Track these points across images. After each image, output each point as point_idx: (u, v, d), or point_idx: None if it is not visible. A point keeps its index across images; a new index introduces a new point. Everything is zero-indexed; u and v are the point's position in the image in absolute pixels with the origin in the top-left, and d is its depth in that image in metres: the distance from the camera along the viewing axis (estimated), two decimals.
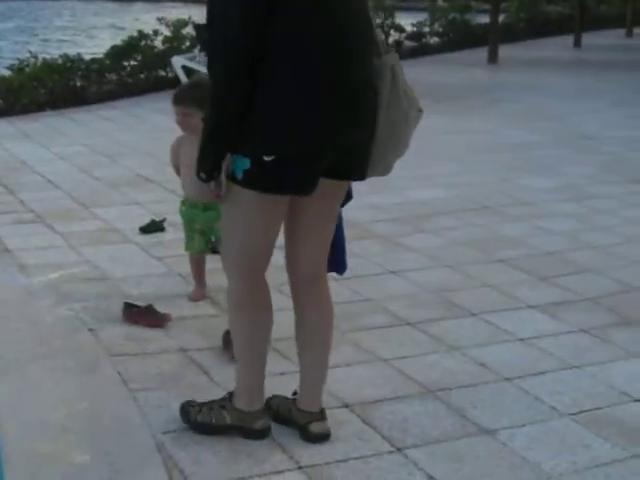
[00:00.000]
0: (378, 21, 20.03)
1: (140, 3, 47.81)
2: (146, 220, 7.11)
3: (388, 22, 20.57)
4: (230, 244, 3.75)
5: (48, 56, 14.73)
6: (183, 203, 5.55)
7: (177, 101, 5.31)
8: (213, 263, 5.62)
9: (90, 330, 5.01)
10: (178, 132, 5.53)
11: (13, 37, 29.18)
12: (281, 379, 4.42)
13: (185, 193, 5.53)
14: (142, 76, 15.30)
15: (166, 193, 8.24)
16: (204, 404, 3.94)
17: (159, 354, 4.73)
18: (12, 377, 4.43)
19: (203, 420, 3.89)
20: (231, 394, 3.91)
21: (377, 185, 8.41)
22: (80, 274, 5.93)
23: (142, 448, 3.80)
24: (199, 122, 5.22)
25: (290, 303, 5.42)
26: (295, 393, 4.03)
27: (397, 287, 5.86)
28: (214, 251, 5.48)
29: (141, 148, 10.49)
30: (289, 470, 3.68)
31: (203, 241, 5.49)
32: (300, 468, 3.69)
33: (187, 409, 3.95)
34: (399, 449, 3.86)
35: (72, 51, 15.53)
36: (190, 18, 16.77)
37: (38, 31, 31.97)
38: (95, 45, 15.88)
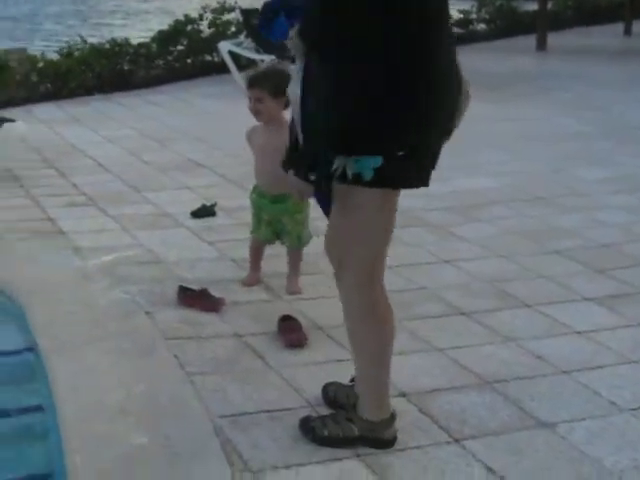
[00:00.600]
0: None
1: None
2: (197, 205, 7.11)
3: None
4: (356, 252, 3.58)
5: (96, 40, 14.77)
6: (253, 190, 5.52)
7: (251, 84, 5.29)
8: (269, 249, 5.62)
9: (146, 313, 5.02)
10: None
11: (67, 21, 29.37)
12: (338, 366, 4.41)
13: (257, 181, 5.48)
14: (189, 61, 15.29)
15: (216, 177, 8.25)
16: (326, 417, 3.80)
17: (214, 338, 4.73)
18: (68, 359, 4.45)
19: (330, 434, 3.73)
20: (353, 405, 3.78)
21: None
22: (134, 257, 5.94)
23: (200, 432, 3.80)
24: (270, 109, 5.25)
25: None
26: (352, 380, 3.99)
27: (451, 276, 5.81)
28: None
29: (190, 132, 10.50)
30: (347, 458, 3.66)
31: (270, 231, 5.45)
32: (358, 456, 3.67)
33: (310, 425, 3.78)
34: (457, 440, 3.82)
35: (121, 35, 15.56)
36: (236, 3, 16.73)
37: (89, 15, 32.14)
38: (145, 29, 15.87)
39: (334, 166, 3.36)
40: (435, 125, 3.41)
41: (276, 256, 5.61)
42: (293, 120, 3.60)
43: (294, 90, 3.45)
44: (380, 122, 3.27)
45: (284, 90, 5.18)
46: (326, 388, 4.03)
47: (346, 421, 3.75)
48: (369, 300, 3.62)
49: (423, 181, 3.49)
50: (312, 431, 3.76)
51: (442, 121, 3.43)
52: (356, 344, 3.74)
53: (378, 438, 3.73)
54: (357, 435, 3.73)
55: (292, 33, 3.40)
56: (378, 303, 3.65)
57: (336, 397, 4.00)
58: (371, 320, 3.64)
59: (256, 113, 5.30)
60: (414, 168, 3.44)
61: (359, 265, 3.60)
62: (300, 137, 3.48)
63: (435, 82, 3.33)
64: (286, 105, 5.24)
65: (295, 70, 3.46)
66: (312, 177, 3.44)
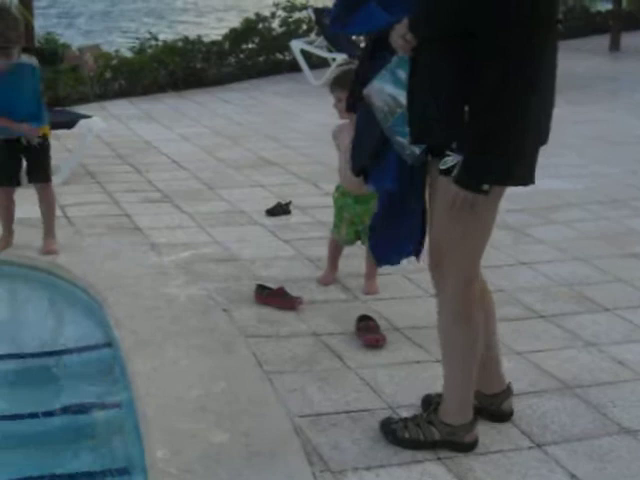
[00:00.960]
0: None
1: None
2: (270, 203, 7.12)
3: None
4: (463, 253, 3.52)
5: (169, 38, 14.88)
6: (336, 189, 5.50)
7: (332, 86, 5.29)
8: (347, 249, 5.60)
9: (223, 310, 5.03)
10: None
11: (142, 18, 29.65)
12: (417, 367, 4.39)
13: (340, 180, 5.47)
14: (260, 59, 15.34)
15: (289, 176, 8.26)
16: (408, 420, 3.76)
17: (292, 337, 4.73)
18: (148, 354, 4.47)
19: (411, 437, 3.69)
20: (435, 408, 3.75)
21: None
22: (210, 254, 5.96)
23: (280, 431, 3.79)
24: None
25: (419, 291, 5.41)
26: None
27: (528, 279, 5.74)
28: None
29: (261, 130, 10.53)
30: (428, 460, 3.63)
31: (352, 231, 5.42)
32: (439, 459, 3.64)
33: (391, 427, 3.75)
34: (539, 445, 3.77)
35: (195, 33, 15.64)
36: (308, 2, 16.76)
37: (164, 13, 32.40)
38: (221, 27, 15.92)
39: (451, 163, 3.32)
40: (543, 125, 3.40)
41: (353, 256, 5.59)
42: (363, 121, 3.57)
43: (383, 88, 3.41)
44: (506, 121, 3.21)
45: None
46: (427, 398, 3.99)
47: (427, 424, 3.71)
48: (467, 301, 3.57)
49: (532, 178, 3.42)
50: (393, 433, 3.74)
51: (546, 121, 3.42)
52: (448, 346, 3.69)
53: (458, 442, 3.69)
54: (437, 439, 3.70)
55: (400, 26, 3.30)
56: (477, 305, 3.61)
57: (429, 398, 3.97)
58: (470, 322, 3.59)
59: (339, 113, 5.29)
60: (531, 163, 3.41)
61: (465, 265, 3.55)
62: (390, 132, 3.42)
63: (547, 84, 3.30)
64: None
65: (392, 66, 3.39)
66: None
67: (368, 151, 3.63)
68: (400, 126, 3.41)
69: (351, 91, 3.81)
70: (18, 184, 6.00)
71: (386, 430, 3.76)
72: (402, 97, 3.38)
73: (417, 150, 3.44)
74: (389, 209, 3.73)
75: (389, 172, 3.57)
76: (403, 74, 3.37)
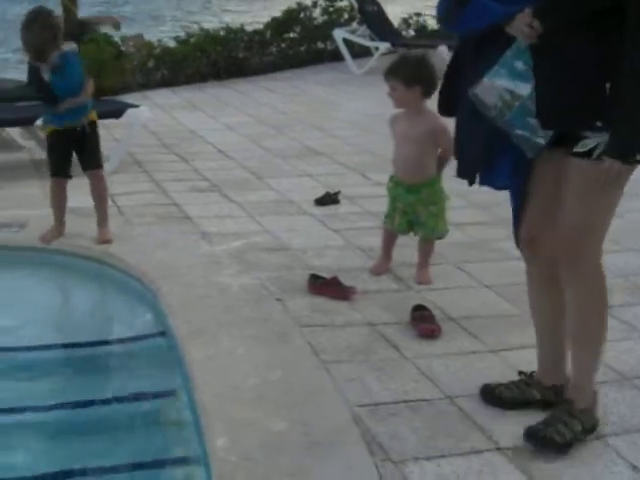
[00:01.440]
0: None
1: None
2: (319, 192, 7.11)
3: None
4: (603, 230, 3.57)
5: (212, 27, 14.90)
6: (391, 179, 5.48)
7: (385, 75, 5.26)
8: (399, 238, 5.59)
9: (277, 300, 5.03)
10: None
11: (187, 7, 29.71)
12: (473, 357, 4.38)
13: (393, 169, 5.45)
14: (302, 48, 15.33)
15: (335, 165, 8.25)
16: (550, 423, 3.66)
17: (347, 327, 4.72)
18: (203, 343, 4.49)
19: (566, 438, 3.60)
20: (566, 401, 3.73)
21: None
22: (261, 244, 5.98)
23: (339, 420, 3.79)
24: (403, 98, 5.24)
25: (472, 281, 5.39)
26: (521, 373, 3.98)
27: None
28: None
29: (306, 120, 10.53)
30: (488, 450, 3.61)
31: (404, 221, 5.41)
32: (499, 449, 3.62)
33: (542, 435, 3.61)
34: (599, 437, 3.74)
35: (240, 21, 15.67)
36: None
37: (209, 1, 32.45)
38: (266, 15, 15.90)
39: (592, 144, 3.36)
40: None
41: (405, 246, 5.58)
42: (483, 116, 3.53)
43: (497, 84, 3.40)
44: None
45: (418, 78, 5.16)
46: (492, 390, 3.95)
47: (570, 417, 3.65)
48: (604, 282, 3.61)
49: None
50: (551, 442, 3.61)
51: None
52: (586, 330, 3.68)
53: (594, 426, 3.71)
54: (583, 428, 3.66)
55: (524, 15, 3.29)
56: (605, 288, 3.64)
57: (502, 395, 3.93)
58: (604, 302, 3.63)
59: (393, 101, 5.27)
60: None
61: (598, 249, 3.58)
62: (509, 125, 3.43)
63: None
64: (425, 94, 5.20)
65: (508, 59, 3.39)
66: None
67: (477, 155, 3.64)
68: (519, 119, 3.41)
69: (443, 95, 3.83)
70: (70, 175, 6.05)
71: (540, 441, 3.62)
72: (521, 88, 3.38)
73: (542, 140, 3.45)
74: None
75: (503, 170, 3.60)
76: (521, 65, 3.37)
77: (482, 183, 3.75)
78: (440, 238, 5.45)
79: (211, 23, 15.66)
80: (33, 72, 5.92)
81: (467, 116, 3.59)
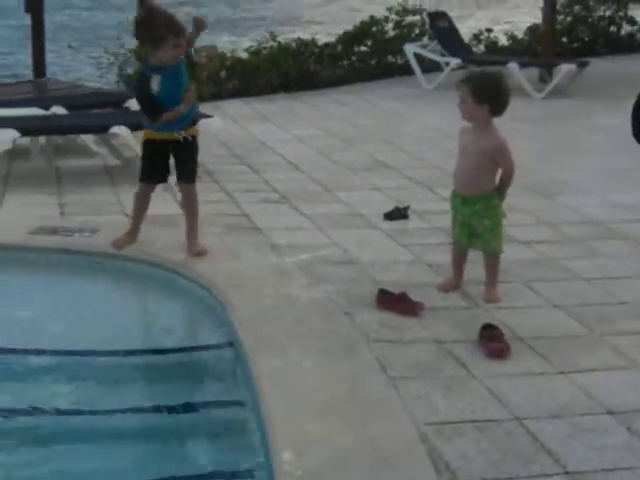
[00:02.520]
0: (608, 13, 19.38)
1: None
2: (387, 206, 7.11)
3: (621, 14, 19.87)
4: None
5: (283, 39, 14.99)
6: (453, 191, 5.48)
7: (458, 84, 5.27)
8: (470, 255, 5.56)
9: (346, 313, 5.04)
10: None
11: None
12: (541, 379, 4.35)
13: (453, 180, 5.45)
14: (373, 62, 15.35)
15: (405, 180, 8.25)
16: None
17: (415, 343, 4.71)
18: (272, 355, 4.51)
19: None
20: None
21: (619, 183, 8.20)
22: (330, 257, 5.99)
23: (406, 438, 3.78)
24: (471, 111, 5.23)
25: (541, 300, 5.35)
26: None
27: None
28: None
29: (375, 133, 10.55)
30: (557, 474, 3.57)
31: (464, 234, 5.40)
32: (567, 473, 3.58)
33: None
34: None
35: (311, 34, 15.74)
36: (421, 6, 16.73)
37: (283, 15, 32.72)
38: (339, 29, 16.00)
39: None
40: None
41: (474, 262, 5.55)
42: None
43: None
44: None
45: (489, 96, 5.14)
46: None
47: None
48: None
49: None
50: None
51: None
52: None
53: None
54: None
55: None
56: None
57: None
58: None
59: (461, 113, 5.27)
60: None
61: None
62: None
63: None
64: (493, 112, 5.18)
65: None
66: None
67: None
68: None
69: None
70: (164, 181, 6.03)
71: None
72: None
73: None
74: None
75: None
76: None
77: None
78: (495, 254, 5.40)
79: (283, 36, 15.68)
80: (142, 80, 5.80)
81: None
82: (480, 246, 5.41)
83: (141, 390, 4.64)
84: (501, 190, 5.34)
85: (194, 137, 5.89)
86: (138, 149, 7.98)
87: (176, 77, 5.70)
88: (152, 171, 5.93)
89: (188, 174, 5.91)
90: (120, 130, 7.88)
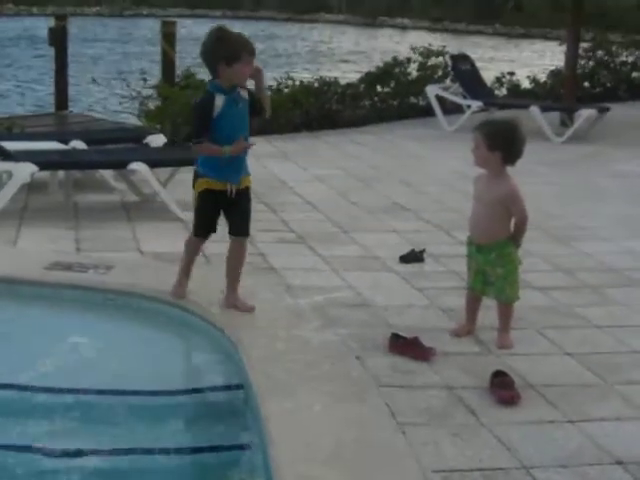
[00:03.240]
0: (630, 58, 19.42)
1: (388, 29, 48.52)
2: (404, 249, 7.13)
3: None
4: None
5: (305, 79, 15.09)
6: (468, 238, 5.50)
7: (475, 129, 5.28)
8: (485, 301, 5.57)
9: (357, 357, 5.05)
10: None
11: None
12: (551, 427, 4.34)
13: (469, 228, 5.47)
14: (394, 102, 15.42)
15: (422, 223, 8.27)
16: None
17: (425, 389, 4.71)
18: (282, 397, 4.51)
19: None
20: None
21: (636, 230, 8.20)
22: (344, 299, 6.00)
23: None
24: (483, 158, 5.25)
25: (554, 348, 5.33)
26: None
27: None
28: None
29: (394, 174, 10.57)
30: None
31: (478, 281, 5.41)
32: None
33: None
34: None
35: (328, 75, 15.85)
36: (445, 48, 16.82)
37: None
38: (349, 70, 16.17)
39: None
40: None
41: (487, 308, 5.55)
42: None
43: None
44: None
45: (502, 144, 5.17)
46: None
47: None
48: None
49: None
50: None
51: None
52: None
53: None
54: None
55: None
56: None
57: None
58: None
59: (474, 159, 5.30)
60: None
61: None
62: None
63: None
64: (505, 160, 5.20)
65: None
66: None
67: None
68: None
69: None
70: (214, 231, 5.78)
71: None
72: None
73: None
74: None
75: None
76: None
77: None
78: (509, 302, 5.40)
79: (306, 75, 15.78)
80: (206, 98, 5.45)
81: None
82: (493, 294, 5.41)
83: (147, 431, 4.61)
84: (516, 238, 5.35)
85: (248, 188, 5.72)
86: (156, 185, 8.08)
87: (239, 102, 5.48)
88: (206, 225, 5.68)
89: (245, 228, 5.70)
90: (139, 166, 7.92)
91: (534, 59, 31.55)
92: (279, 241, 7.43)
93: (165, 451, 4.30)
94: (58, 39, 14.73)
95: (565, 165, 11.62)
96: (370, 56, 30.37)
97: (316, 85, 14.50)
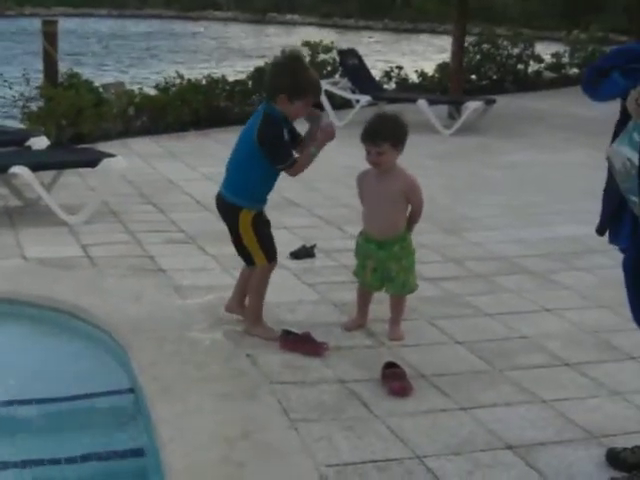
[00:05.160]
0: (516, 51, 19.81)
1: (273, 27, 48.46)
2: (295, 245, 7.11)
3: (528, 52, 20.31)
4: None
5: (193, 77, 14.95)
6: (360, 234, 5.50)
7: (373, 139, 5.20)
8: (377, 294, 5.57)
9: (247, 356, 5.01)
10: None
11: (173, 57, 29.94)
12: (443, 416, 4.38)
13: (364, 226, 5.47)
14: None
15: (314, 218, 8.27)
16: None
17: (318, 384, 4.70)
18: (172, 400, 4.44)
19: None
20: None
21: (523, 219, 8.34)
22: None
23: None
24: (390, 160, 5.26)
25: (444, 337, 5.38)
26: None
27: (552, 325, 5.71)
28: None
29: None
30: None
31: (376, 278, 5.42)
32: None
33: None
34: None
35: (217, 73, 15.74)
36: (333, 43, 16.87)
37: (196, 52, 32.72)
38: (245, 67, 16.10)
39: None
40: None
41: (378, 301, 5.56)
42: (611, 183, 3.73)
43: (621, 151, 3.61)
44: None
45: (404, 139, 5.19)
46: (615, 453, 3.99)
47: None
48: None
49: None
50: None
51: None
52: None
53: None
54: None
55: (635, 91, 3.54)
56: None
57: (627, 460, 3.96)
58: None
59: (376, 165, 5.27)
60: None
61: None
62: (626, 192, 3.63)
63: None
64: (400, 152, 5.25)
65: (630, 129, 3.61)
66: None
67: (608, 212, 3.86)
68: (634, 187, 3.60)
69: None
70: None
71: None
72: (636, 159, 3.57)
73: None
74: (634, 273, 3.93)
75: (624, 232, 3.80)
76: (638, 137, 3.57)
77: (610, 241, 3.98)
78: (411, 292, 5.43)
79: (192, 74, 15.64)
80: (277, 123, 5.21)
81: (609, 176, 3.84)
82: (393, 289, 5.42)
83: (38, 439, 4.49)
84: (410, 227, 5.39)
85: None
86: (39, 189, 7.87)
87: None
88: (274, 246, 5.48)
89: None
90: (20, 170, 7.70)
91: (422, 53, 31.89)
92: (168, 242, 7.33)
93: (55, 461, 4.20)
94: None
95: (453, 157, 11.76)
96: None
97: (204, 82, 14.37)
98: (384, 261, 5.34)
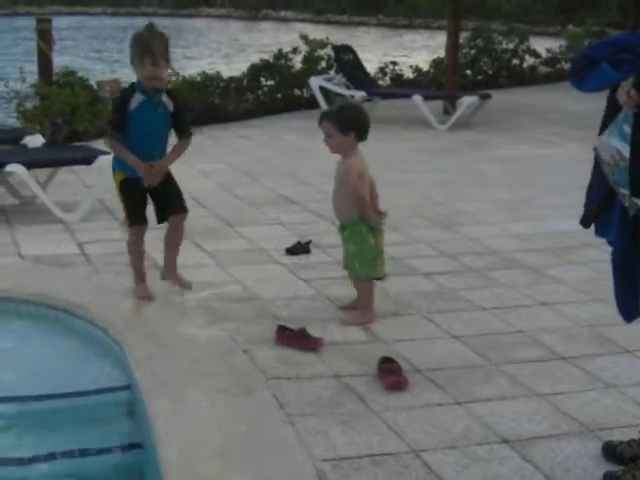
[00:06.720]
0: (510, 46, 19.83)
1: (268, 23, 48.48)
2: (290, 241, 7.12)
3: (523, 47, 20.34)
4: None
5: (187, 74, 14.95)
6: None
7: (320, 122, 5.46)
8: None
9: (244, 351, 5.02)
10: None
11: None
12: (439, 410, 4.38)
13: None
14: (279, 95, 15.41)
15: (308, 214, 8.27)
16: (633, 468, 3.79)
17: (314, 379, 4.71)
18: (169, 396, 4.45)
19: None
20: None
21: (518, 213, 8.35)
22: (230, 294, 5.96)
23: (302, 475, 3.77)
24: (338, 144, 5.38)
25: (439, 332, 5.39)
26: None
27: (548, 320, 5.71)
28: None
29: (280, 167, 10.56)
30: None
31: (343, 257, 5.65)
32: None
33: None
34: None
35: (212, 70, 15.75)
36: (327, 39, 16.87)
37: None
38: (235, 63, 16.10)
39: None
40: None
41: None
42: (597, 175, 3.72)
43: (610, 143, 3.57)
44: None
45: (353, 125, 5.29)
46: (612, 447, 3.99)
47: None
48: None
49: None
50: None
51: None
52: None
53: None
54: None
55: (626, 83, 3.50)
56: None
57: (623, 454, 3.95)
58: None
59: (329, 148, 5.48)
60: None
61: None
62: (615, 184, 3.60)
63: None
64: (360, 138, 5.35)
65: (620, 120, 3.57)
66: None
67: (596, 204, 3.83)
68: (623, 179, 3.57)
69: None
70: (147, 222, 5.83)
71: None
72: (626, 151, 3.54)
73: None
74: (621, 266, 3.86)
75: (613, 224, 3.76)
76: (628, 128, 3.54)
77: (597, 234, 3.95)
78: (360, 278, 5.54)
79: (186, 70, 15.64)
80: (124, 95, 5.47)
81: (596, 167, 3.81)
82: (349, 271, 5.60)
83: (35, 436, 4.50)
84: (363, 216, 5.45)
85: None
86: (35, 187, 7.89)
87: (159, 107, 5.58)
88: (142, 210, 5.69)
89: (182, 203, 5.85)
90: (16, 168, 7.70)
91: (418, 48, 31.90)
92: (163, 238, 7.30)
93: (51, 456, 4.21)
94: None
95: (448, 152, 11.76)
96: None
97: (199, 79, 14.37)
98: (343, 242, 5.55)
